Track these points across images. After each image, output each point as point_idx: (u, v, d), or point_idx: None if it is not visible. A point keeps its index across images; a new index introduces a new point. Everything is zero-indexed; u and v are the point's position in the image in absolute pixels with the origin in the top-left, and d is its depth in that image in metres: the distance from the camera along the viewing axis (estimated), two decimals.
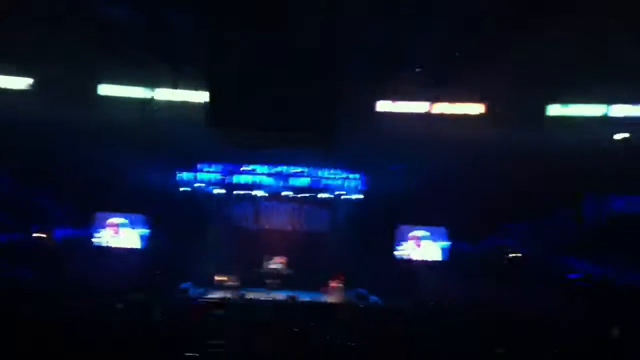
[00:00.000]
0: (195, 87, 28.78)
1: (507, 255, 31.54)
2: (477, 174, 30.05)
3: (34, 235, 29.27)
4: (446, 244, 33.65)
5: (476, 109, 30.56)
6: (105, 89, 30.07)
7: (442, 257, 33.64)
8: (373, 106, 30.68)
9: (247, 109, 24.05)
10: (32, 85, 29.42)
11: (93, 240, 32.49)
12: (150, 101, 30.00)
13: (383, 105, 30.93)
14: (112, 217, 32.99)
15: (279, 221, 35.92)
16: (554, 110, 30.05)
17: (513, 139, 28.51)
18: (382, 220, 33.49)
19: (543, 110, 30.04)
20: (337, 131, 27.18)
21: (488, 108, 30.38)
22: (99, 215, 32.93)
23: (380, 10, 20.52)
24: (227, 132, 25.31)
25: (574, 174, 28.35)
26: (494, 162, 29.66)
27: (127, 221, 32.97)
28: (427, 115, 30.76)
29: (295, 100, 23.97)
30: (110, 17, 21.25)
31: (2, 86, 29.45)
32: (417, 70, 28.13)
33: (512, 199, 29.77)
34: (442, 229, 33.90)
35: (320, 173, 35.33)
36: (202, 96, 27.24)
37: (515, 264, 31.11)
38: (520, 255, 31.32)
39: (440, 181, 31.13)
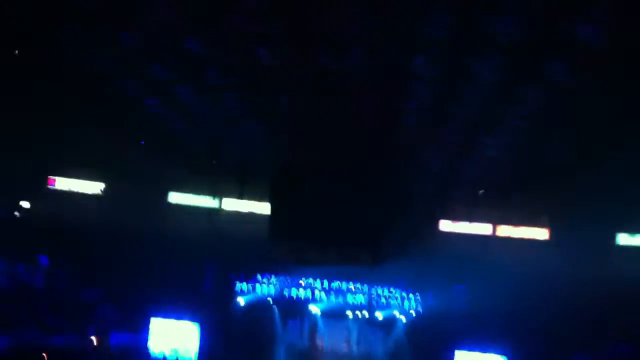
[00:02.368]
0: (260, 199, 29.47)
1: None
2: (541, 300, 28.98)
3: (90, 338, 29.45)
4: None
5: (541, 234, 29.98)
6: (175, 197, 31.18)
7: None
8: (436, 225, 30.60)
9: (307, 224, 24.64)
10: (105, 191, 30.77)
11: (148, 346, 32.37)
12: (216, 210, 30.85)
13: (445, 225, 30.78)
14: (168, 322, 32.97)
15: (334, 339, 35.09)
16: (623, 239, 29.17)
17: (579, 265, 27.63)
18: (440, 342, 32.31)
19: (611, 238, 29.22)
20: (395, 249, 27.39)
21: (553, 234, 29.78)
22: (154, 319, 33.00)
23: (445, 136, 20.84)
24: (286, 245, 25.83)
25: None
26: (558, 288, 28.62)
27: (182, 327, 32.85)
28: (490, 237, 30.34)
29: (353, 219, 24.49)
30: (180, 130, 22.30)
31: (77, 190, 30.94)
32: (480, 192, 28.21)
33: (577, 327, 28.41)
34: (502, 356, 32.31)
35: (377, 291, 34.74)
36: (265, 207, 27.81)
37: None
38: None
39: (501, 305, 30.11)
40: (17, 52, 16.49)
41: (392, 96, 17.44)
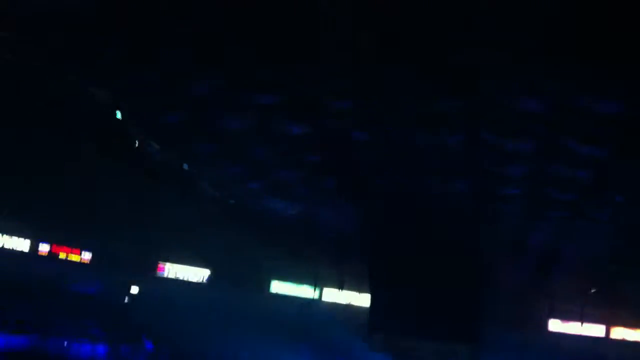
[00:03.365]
0: (359, 290, 29.28)
1: None
2: None
3: None
4: None
5: None
6: (277, 286, 31.62)
7: None
8: (544, 324, 29.04)
9: (406, 318, 24.14)
10: (210, 278, 31.73)
11: None
12: (315, 301, 30.90)
13: (554, 325, 29.13)
14: None
15: None
16: None
17: None
18: None
19: None
20: (497, 346, 26.08)
21: None
22: None
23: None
24: (384, 338, 25.29)
25: None
26: None
27: None
28: (603, 339, 28.32)
29: (449, 313, 23.75)
30: (283, 219, 22.86)
31: (184, 277, 32.18)
32: (592, 290, 26.73)
33: None
34: None
35: None
36: (364, 299, 27.58)
37: None
38: None
39: None
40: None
41: (488, 180, 17.27)
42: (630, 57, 10.58)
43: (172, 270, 32.92)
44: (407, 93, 13.31)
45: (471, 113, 13.51)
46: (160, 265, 32.99)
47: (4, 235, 30.74)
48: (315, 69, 12.75)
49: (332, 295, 31.09)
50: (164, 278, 32.88)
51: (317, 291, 31.28)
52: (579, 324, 28.88)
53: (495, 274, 23.71)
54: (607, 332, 28.45)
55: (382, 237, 23.74)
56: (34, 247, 31.61)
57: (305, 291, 31.54)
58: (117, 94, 15.89)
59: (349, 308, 30.45)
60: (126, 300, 32.73)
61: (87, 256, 32.28)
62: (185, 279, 32.94)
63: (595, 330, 28.64)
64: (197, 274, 32.34)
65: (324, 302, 31.54)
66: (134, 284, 32.32)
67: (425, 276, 23.22)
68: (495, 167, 16.24)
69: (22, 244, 31.37)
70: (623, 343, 28.29)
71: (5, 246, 31.07)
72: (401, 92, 13.36)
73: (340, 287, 29.54)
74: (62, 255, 32.09)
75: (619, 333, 28.33)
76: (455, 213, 19.90)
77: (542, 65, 11.29)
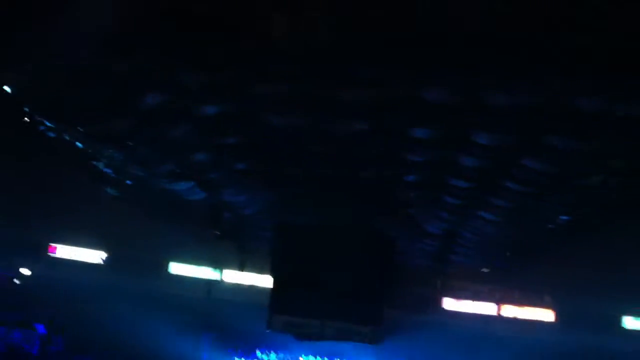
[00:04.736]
0: (261, 271, 29.25)
1: None
2: None
3: None
4: None
5: (546, 315, 29.47)
6: (176, 268, 31.09)
7: None
8: (439, 303, 30.16)
9: (307, 298, 24.39)
10: (106, 259, 30.81)
11: None
12: (216, 282, 30.65)
13: (449, 303, 30.34)
14: None
15: None
16: (629, 322, 28.61)
17: (585, 348, 27.02)
18: None
19: (617, 321, 28.65)
20: (397, 326, 26.91)
21: (558, 315, 29.28)
22: None
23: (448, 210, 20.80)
24: (286, 319, 25.45)
25: None
26: None
27: None
28: (495, 317, 29.82)
29: (353, 294, 24.25)
30: (184, 200, 22.38)
31: (78, 258, 31.05)
32: (484, 270, 27.92)
33: None
34: None
35: None
36: (266, 280, 27.55)
37: None
38: None
39: None
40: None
41: (392, 166, 17.53)
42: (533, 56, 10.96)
43: (66, 252, 31.69)
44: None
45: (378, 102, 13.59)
46: (52, 246, 31.67)
47: None
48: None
49: (234, 276, 30.90)
50: (58, 260, 31.59)
51: (218, 272, 31.01)
52: (472, 302, 30.26)
53: (396, 257, 24.28)
54: (499, 310, 29.95)
55: (285, 222, 23.72)
56: None
57: (206, 272, 31.20)
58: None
59: (252, 289, 30.39)
60: (17, 281, 31.34)
61: None
62: (80, 259, 31.82)
63: (488, 308, 30.07)
64: (93, 256, 31.25)
65: (225, 282, 31.36)
66: (23, 267, 30.96)
67: (329, 259, 23.48)
68: (399, 153, 16.47)
69: None
70: (513, 320, 29.91)
71: None
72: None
73: (242, 268, 29.32)
74: None
75: (509, 311, 29.88)
76: (359, 199, 20.13)
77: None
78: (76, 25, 12.01)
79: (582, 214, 18.61)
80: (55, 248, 31.77)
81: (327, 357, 33.97)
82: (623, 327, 28.80)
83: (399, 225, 22.26)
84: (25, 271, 31.24)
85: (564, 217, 19.15)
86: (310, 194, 20.28)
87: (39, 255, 31.26)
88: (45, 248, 31.68)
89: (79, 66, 13.48)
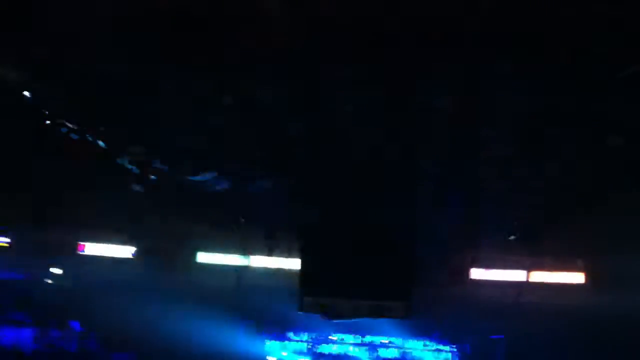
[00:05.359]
0: (289, 254, 29.40)
1: None
2: (582, 346, 28.15)
3: None
4: None
5: (576, 277, 29.34)
6: (203, 257, 31.34)
7: None
8: (467, 274, 30.15)
9: (337, 277, 24.55)
10: (137, 254, 31.17)
11: None
12: (245, 268, 30.86)
13: (477, 273, 30.30)
14: None
15: None
16: None
17: (617, 306, 26.90)
18: None
19: None
20: (428, 300, 26.98)
21: (589, 276, 29.13)
22: None
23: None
24: (316, 300, 25.64)
25: None
26: (598, 332, 27.83)
27: None
28: (524, 284, 29.77)
29: (383, 270, 24.36)
30: (208, 190, 22.50)
31: (108, 254, 31.43)
32: (511, 238, 27.80)
33: None
34: None
35: (410, 344, 33.99)
36: (294, 263, 27.67)
37: None
38: None
39: (542, 352, 29.29)
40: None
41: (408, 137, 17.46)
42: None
43: (95, 249, 32.05)
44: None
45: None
46: (81, 244, 32.03)
47: None
48: None
49: (263, 261, 31.08)
50: (88, 258, 31.94)
51: (247, 259, 31.20)
52: (501, 271, 30.22)
53: (423, 233, 24.28)
54: (528, 276, 29.88)
55: (311, 209, 23.77)
56: None
57: (235, 260, 31.42)
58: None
59: (280, 272, 30.58)
60: (50, 282, 31.84)
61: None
62: (110, 256, 32.20)
63: (516, 275, 30.02)
64: (122, 251, 31.57)
65: (254, 268, 31.60)
66: (55, 266, 31.37)
67: (358, 241, 23.60)
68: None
69: None
70: (542, 285, 29.85)
71: None
72: None
73: (270, 253, 29.46)
74: None
75: (538, 277, 29.81)
76: (383, 182, 20.14)
77: None
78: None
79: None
80: (84, 246, 32.11)
81: (358, 334, 34.25)
82: None
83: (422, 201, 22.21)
84: (56, 270, 31.68)
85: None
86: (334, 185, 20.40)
87: (68, 254, 31.58)
88: (74, 247, 32.02)
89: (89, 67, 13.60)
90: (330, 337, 34.22)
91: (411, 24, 11.25)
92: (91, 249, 32.19)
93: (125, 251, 31.46)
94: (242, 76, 13.62)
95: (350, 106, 15.10)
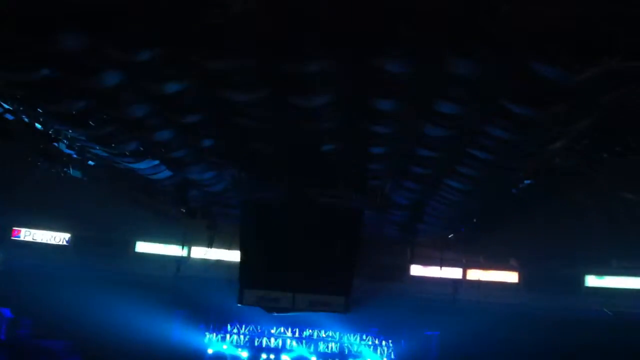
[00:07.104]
0: (230, 246, 29.25)
1: None
2: (513, 342, 28.93)
3: None
4: None
5: (510, 276, 30.21)
6: (142, 246, 30.93)
7: None
8: (406, 271, 30.66)
9: (277, 272, 24.57)
10: (71, 241, 30.48)
11: None
12: (184, 259, 30.56)
13: (416, 270, 30.85)
14: None
15: None
16: (591, 281, 29.50)
17: (549, 307, 27.81)
18: None
19: (580, 280, 29.54)
20: (367, 295, 27.31)
21: (522, 276, 30.04)
22: None
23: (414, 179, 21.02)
24: (256, 293, 25.60)
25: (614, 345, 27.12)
26: (529, 331, 28.67)
27: None
28: (461, 281, 30.48)
29: (323, 265, 24.50)
30: (148, 179, 22.20)
31: (43, 241, 30.68)
32: (449, 237, 28.36)
33: None
34: None
35: (349, 339, 34.24)
36: (235, 255, 27.54)
37: None
38: None
39: (476, 349, 29.94)
40: None
41: (358, 140, 17.65)
42: None
43: (29, 235, 31.22)
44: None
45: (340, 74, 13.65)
46: (15, 230, 31.16)
47: None
48: None
49: (202, 253, 30.86)
50: (22, 243, 31.10)
51: (186, 249, 30.93)
52: (439, 268, 30.81)
53: (364, 228, 24.52)
54: (464, 274, 30.60)
55: (253, 198, 23.69)
56: None
57: (174, 250, 31.10)
58: None
59: (220, 264, 30.41)
60: None
61: None
62: (45, 241, 31.43)
63: (453, 273, 30.69)
64: (57, 238, 30.86)
65: (194, 259, 31.33)
66: None
67: (297, 232, 23.61)
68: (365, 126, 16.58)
69: None
70: (478, 283, 30.58)
71: None
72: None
73: (210, 245, 29.20)
74: None
75: (474, 275, 30.55)
76: (327, 174, 20.25)
77: None
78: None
79: (544, 178, 19.01)
80: (19, 231, 31.26)
81: (297, 328, 34.27)
82: (586, 286, 29.62)
83: (367, 198, 22.40)
84: None
85: (527, 182, 19.50)
86: (276, 169, 20.34)
87: (2, 240, 30.68)
88: (8, 232, 31.13)
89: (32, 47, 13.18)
90: (270, 330, 34.17)
91: None
92: (26, 235, 31.36)
93: (61, 238, 30.74)
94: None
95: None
